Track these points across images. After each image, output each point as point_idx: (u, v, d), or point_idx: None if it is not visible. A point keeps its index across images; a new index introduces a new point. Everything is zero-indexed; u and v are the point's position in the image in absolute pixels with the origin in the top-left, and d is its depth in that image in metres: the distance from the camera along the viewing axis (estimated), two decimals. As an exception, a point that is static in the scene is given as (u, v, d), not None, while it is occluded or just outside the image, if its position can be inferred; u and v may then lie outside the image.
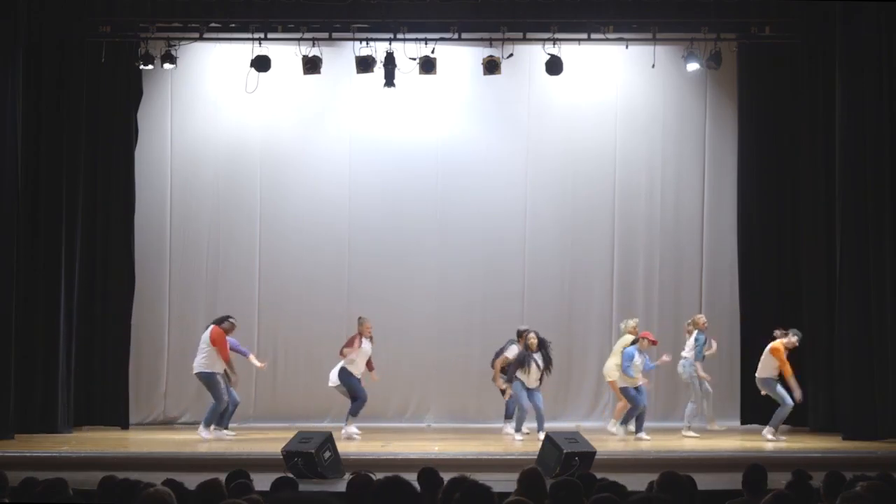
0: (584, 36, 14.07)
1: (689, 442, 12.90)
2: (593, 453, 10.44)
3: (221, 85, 14.99)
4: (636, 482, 7.68)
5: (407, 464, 9.60)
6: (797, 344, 12.95)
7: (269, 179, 15.07)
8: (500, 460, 11.14)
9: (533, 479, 6.00)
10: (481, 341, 14.71)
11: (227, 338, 13.04)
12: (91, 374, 14.19)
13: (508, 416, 13.48)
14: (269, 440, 12.27)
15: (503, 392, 13.39)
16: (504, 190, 15.13)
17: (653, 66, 14.29)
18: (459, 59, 14.64)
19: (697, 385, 13.49)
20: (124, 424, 14.14)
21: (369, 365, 13.16)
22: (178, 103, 15.02)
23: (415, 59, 13.93)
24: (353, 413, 13.07)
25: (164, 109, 14.98)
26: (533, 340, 12.99)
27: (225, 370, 13.04)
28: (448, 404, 14.96)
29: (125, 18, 14.07)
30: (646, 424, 13.22)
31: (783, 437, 12.94)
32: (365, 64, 13.92)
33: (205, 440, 12.73)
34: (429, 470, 6.64)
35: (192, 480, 6.19)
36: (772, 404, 13.08)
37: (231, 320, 13.18)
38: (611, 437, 13.11)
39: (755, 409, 14.04)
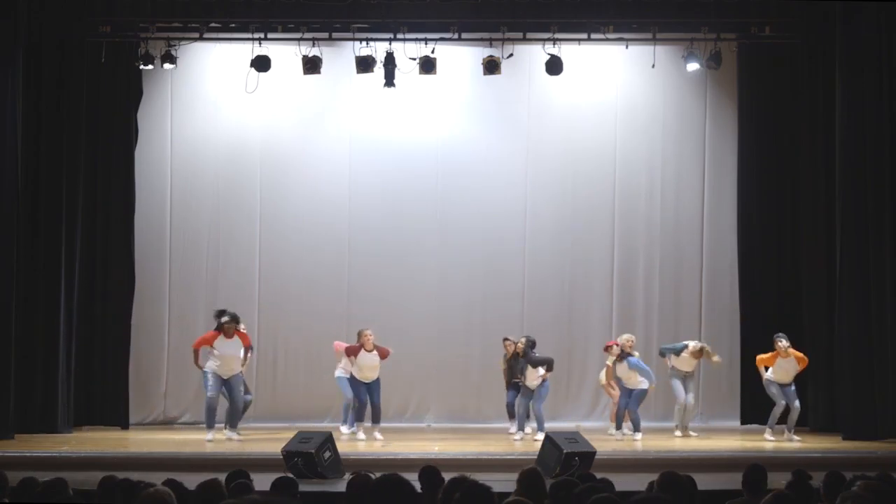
0: (584, 36, 14.06)
1: (690, 442, 12.91)
2: (593, 453, 10.47)
3: (221, 85, 14.98)
4: (636, 482, 7.68)
5: (407, 464, 9.59)
6: (785, 346, 12.91)
7: (269, 179, 15.07)
8: (500, 460, 11.14)
9: (533, 479, 5.99)
10: (481, 341, 14.74)
11: (227, 340, 12.87)
12: (91, 373, 14.18)
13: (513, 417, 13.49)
14: (269, 440, 12.28)
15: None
16: (504, 190, 15.12)
17: (653, 66, 14.29)
18: (459, 59, 14.64)
19: (679, 387, 13.36)
20: (124, 424, 14.13)
21: (382, 353, 13.02)
22: (178, 103, 15.02)
23: (415, 59, 13.93)
24: (358, 419, 13.02)
25: (164, 109, 14.98)
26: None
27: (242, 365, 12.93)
28: (448, 404, 14.95)
29: (125, 18, 14.06)
30: (645, 425, 13.24)
31: (797, 438, 12.85)
32: (365, 64, 13.91)
33: (233, 440, 12.63)
34: (430, 468, 6.63)
35: (192, 480, 6.19)
36: (771, 404, 13.07)
37: (225, 321, 12.81)
38: (610, 438, 13.10)
39: (755, 409, 14.05)
